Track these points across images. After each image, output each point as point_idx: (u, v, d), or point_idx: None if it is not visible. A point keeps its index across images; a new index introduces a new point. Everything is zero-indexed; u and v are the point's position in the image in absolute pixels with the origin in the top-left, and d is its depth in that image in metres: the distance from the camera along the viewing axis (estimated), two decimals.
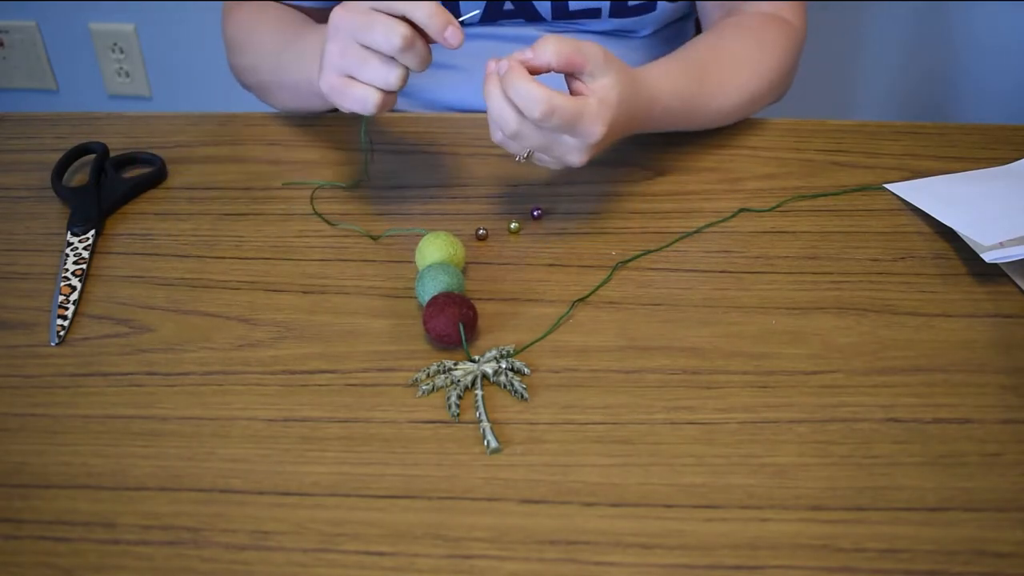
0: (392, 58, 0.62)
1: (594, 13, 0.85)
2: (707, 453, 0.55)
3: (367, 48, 0.62)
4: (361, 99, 0.64)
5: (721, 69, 0.78)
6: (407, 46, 0.61)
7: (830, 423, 0.57)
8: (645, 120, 0.71)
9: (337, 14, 0.63)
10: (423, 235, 0.66)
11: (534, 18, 0.86)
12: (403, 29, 0.61)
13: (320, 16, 0.89)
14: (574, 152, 0.65)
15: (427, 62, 0.63)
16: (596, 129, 0.63)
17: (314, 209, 0.73)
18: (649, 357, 0.61)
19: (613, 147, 0.78)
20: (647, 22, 0.87)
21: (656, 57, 0.91)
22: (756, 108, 0.81)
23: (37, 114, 0.86)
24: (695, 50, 0.79)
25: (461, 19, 0.63)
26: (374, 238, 0.70)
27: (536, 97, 0.60)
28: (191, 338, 0.63)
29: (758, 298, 0.65)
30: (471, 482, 0.54)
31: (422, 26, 0.62)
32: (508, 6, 0.85)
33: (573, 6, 0.84)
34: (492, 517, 0.52)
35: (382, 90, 0.63)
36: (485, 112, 0.77)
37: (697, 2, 0.87)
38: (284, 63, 0.79)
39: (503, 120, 0.63)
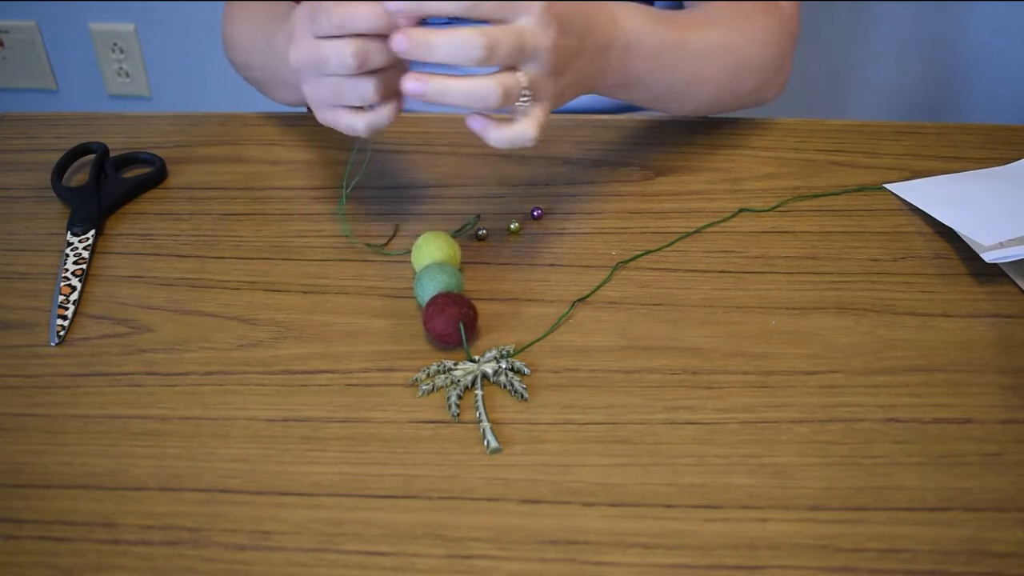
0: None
1: None
2: (707, 453, 0.55)
3: (332, 76, 0.60)
4: (348, 125, 0.62)
5: (697, 20, 0.73)
6: (361, 62, 0.58)
7: (830, 423, 0.57)
8: (607, 39, 0.65)
9: (292, 56, 0.61)
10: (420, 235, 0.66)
11: None
12: (352, 47, 0.58)
13: None
14: (538, 62, 0.59)
15: (400, 56, 0.58)
16: None
17: (341, 212, 0.73)
18: (649, 357, 0.61)
19: (613, 147, 0.78)
20: None
21: None
22: (746, 83, 0.76)
23: (37, 114, 0.86)
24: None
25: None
26: (375, 247, 0.70)
27: (462, 34, 0.56)
28: (191, 338, 0.63)
29: (758, 298, 0.65)
30: (471, 482, 0.54)
31: (368, 31, 0.58)
32: None
33: None
34: (492, 517, 0.52)
35: (368, 108, 0.61)
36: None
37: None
38: (271, 65, 0.78)
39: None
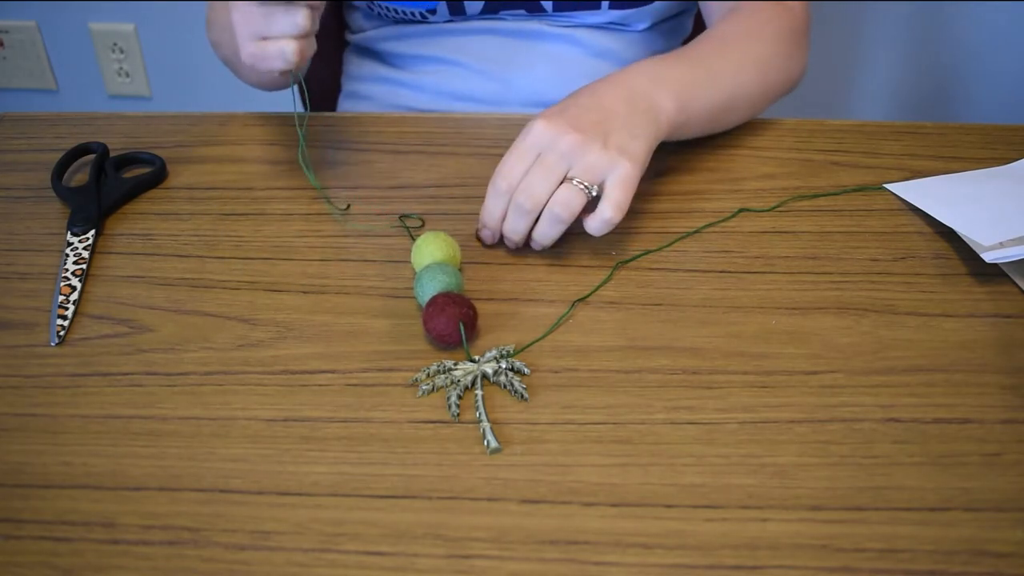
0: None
1: (594, 4, 0.85)
2: (707, 453, 0.55)
3: (265, 3, 0.64)
4: (278, 53, 0.65)
5: (714, 44, 0.78)
6: None
7: (830, 423, 0.57)
8: (628, 92, 0.68)
9: None
10: (419, 235, 0.66)
11: (535, 9, 0.86)
12: None
13: None
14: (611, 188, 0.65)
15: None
16: (554, 135, 0.64)
17: (325, 197, 0.73)
18: (649, 357, 0.61)
19: None
20: (644, 14, 0.87)
21: (654, 52, 0.91)
22: (774, 84, 0.79)
23: (37, 114, 0.86)
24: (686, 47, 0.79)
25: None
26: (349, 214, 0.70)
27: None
28: (191, 338, 0.63)
29: (758, 298, 0.65)
30: (471, 482, 0.54)
31: None
32: None
33: None
34: (492, 517, 0.52)
35: (296, 37, 0.65)
36: (486, 110, 0.76)
37: (700, 2, 0.87)
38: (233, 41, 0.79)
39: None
